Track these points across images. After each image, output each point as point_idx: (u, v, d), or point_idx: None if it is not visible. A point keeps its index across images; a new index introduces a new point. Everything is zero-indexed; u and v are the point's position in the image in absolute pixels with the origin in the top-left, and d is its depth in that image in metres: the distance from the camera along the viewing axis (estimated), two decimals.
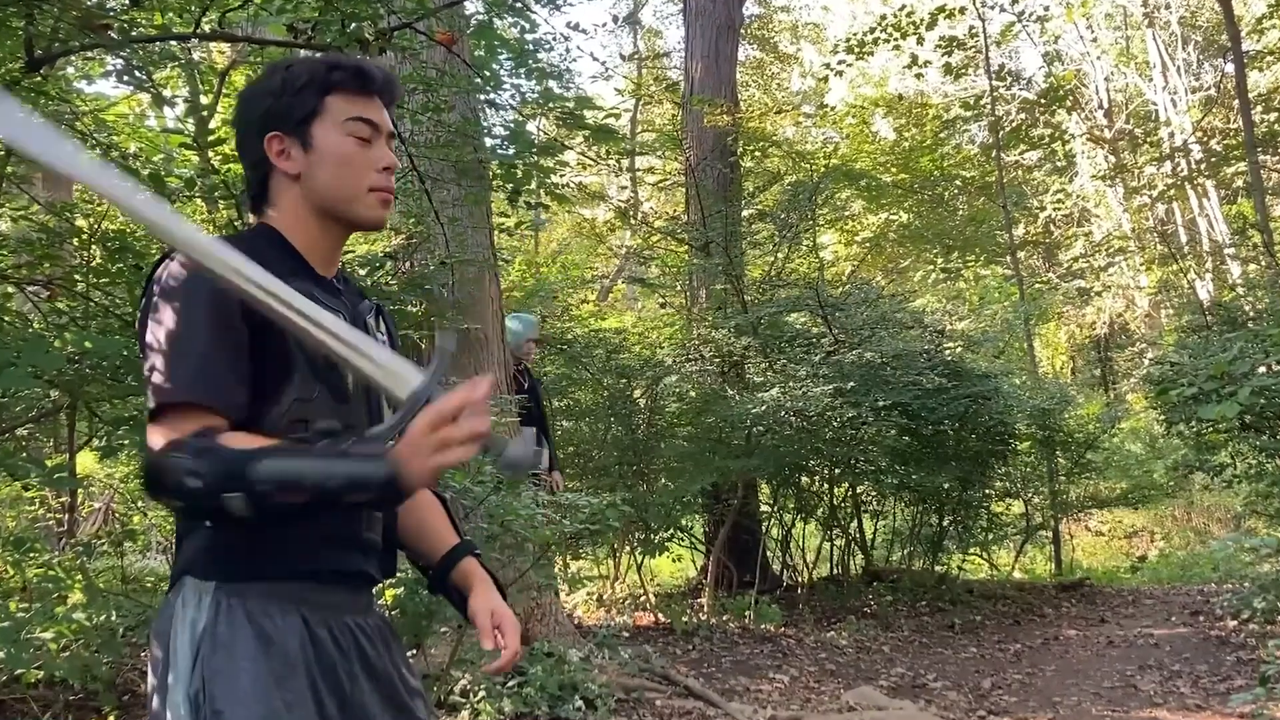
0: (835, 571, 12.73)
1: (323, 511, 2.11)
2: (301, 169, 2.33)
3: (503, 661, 2.51)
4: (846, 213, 17.93)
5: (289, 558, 2.20)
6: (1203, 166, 21.25)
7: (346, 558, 2.30)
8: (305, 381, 2.20)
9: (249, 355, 2.13)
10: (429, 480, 2.03)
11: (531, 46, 7.51)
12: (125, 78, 6.44)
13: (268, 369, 2.16)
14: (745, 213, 14.21)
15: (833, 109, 20.28)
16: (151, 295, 2.15)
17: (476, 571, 2.63)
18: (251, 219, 2.46)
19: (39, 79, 5.40)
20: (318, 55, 2.33)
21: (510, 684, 6.62)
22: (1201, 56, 27.61)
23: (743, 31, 19.00)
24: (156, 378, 2.08)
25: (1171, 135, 23.69)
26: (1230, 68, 17.66)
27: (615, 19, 30.67)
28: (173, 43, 6.20)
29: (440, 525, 2.68)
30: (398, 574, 6.12)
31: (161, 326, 2.10)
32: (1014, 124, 21.55)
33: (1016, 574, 14.16)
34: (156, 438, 2.05)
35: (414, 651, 6.24)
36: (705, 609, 10.64)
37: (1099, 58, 27.67)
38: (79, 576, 6.14)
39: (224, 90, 7.64)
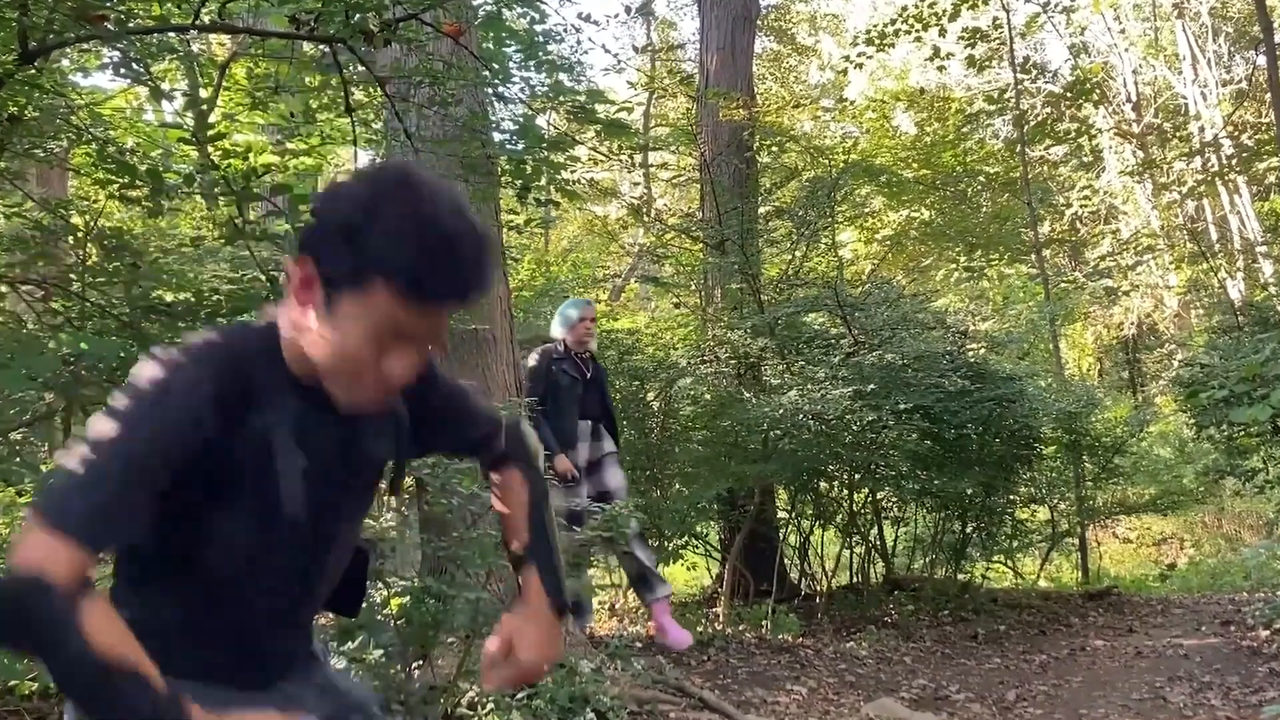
0: (855, 580, 12.70)
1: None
2: (306, 321, 2.09)
3: (501, 678, 2.47)
4: (866, 209, 17.92)
5: (172, 660, 2.03)
6: (1234, 162, 21.17)
7: (236, 667, 2.23)
8: (241, 522, 2.13)
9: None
10: None
11: (541, 38, 7.49)
12: (122, 70, 6.43)
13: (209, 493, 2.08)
14: (762, 209, 14.21)
15: (852, 103, 20.23)
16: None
17: (528, 582, 2.55)
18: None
19: (33, 72, 5.38)
20: (416, 207, 1.98)
21: (520, 696, 6.60)
22: (1233, 48, 27.55)
23: (760, 23, 18.99)
24: (66, 479, 1.90)
25: (1202, 130, 23.58)
26: (1262, 60, 17.58)
27: (628, 10, 30.66)
28: (171, 34, 6.20)
29: (516, 519, 2.64)
30: (405, 582, 6.11)
31: (102, 421, 1.95)
32: (1039, 118, 21.53)
33: (1042, 582, 14.13)
34: (41, 548, 1.84)
35: (420, 662, 6.22)
36: (721, 619, 10.61)
37: (1127, 49, 27.58)
38: None
39: (224, 83, 7.63)
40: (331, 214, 2.04)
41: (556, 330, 9.31)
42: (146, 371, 2.00)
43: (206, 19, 5.81)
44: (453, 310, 2.11)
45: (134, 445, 1.92)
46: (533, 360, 9.18)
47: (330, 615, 2.39)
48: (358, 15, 5.22)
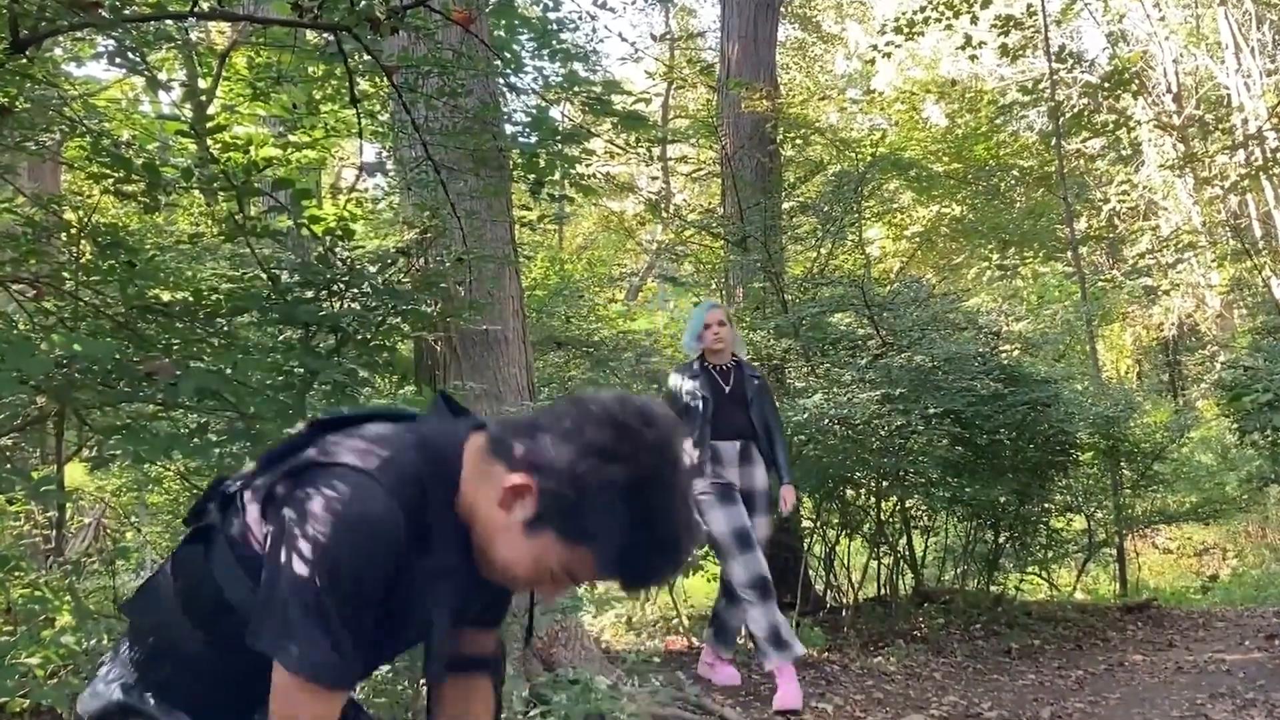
0: (883, 592, 12.65)
1: None
2: (506, 525, 2.18)
3: None
4: (895, 205, 17.91)
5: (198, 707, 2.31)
6: (1279, 155, 21.11)
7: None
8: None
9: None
10: None
11: (555, 26, 7.49)
12: (117, 60, 6.41)
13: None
14: (785, 205, 14.18)
15: (880, 94, 20.20)
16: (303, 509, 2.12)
17: None
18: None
19: (24, 61, 5.36)
20: (656, 516, 2.10)
21: (533, 714, 6.58)
22: (1278, 36, 27.45)
23: (783, 10, 19.00)
24: (306, 633, 2.07)
25: (1245, 122, 23.52)
26: None
27: None
28: (169, 22, 6.18)
29: None
30: None
31: (310, 565, 2.08)
32: (1075, 110, 21.49)
33: (1078, 594, 14.10)
34: (306, 706, 2.09)
35: None
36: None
37: (1167, 38, 27.52)
38: (67, 598, 6.11)
39: (223, 73, 7.62)
40: (574, 462, 2.10)
41: (687, 344, 8.90)
42: (333, 490, 2.10)
43: (205, 6, 5.81)
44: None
45: (347, 585, 2.07)
46: (670, 380, 8.90)
47: None
48: (363, 2, 5.19)
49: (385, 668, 5.65)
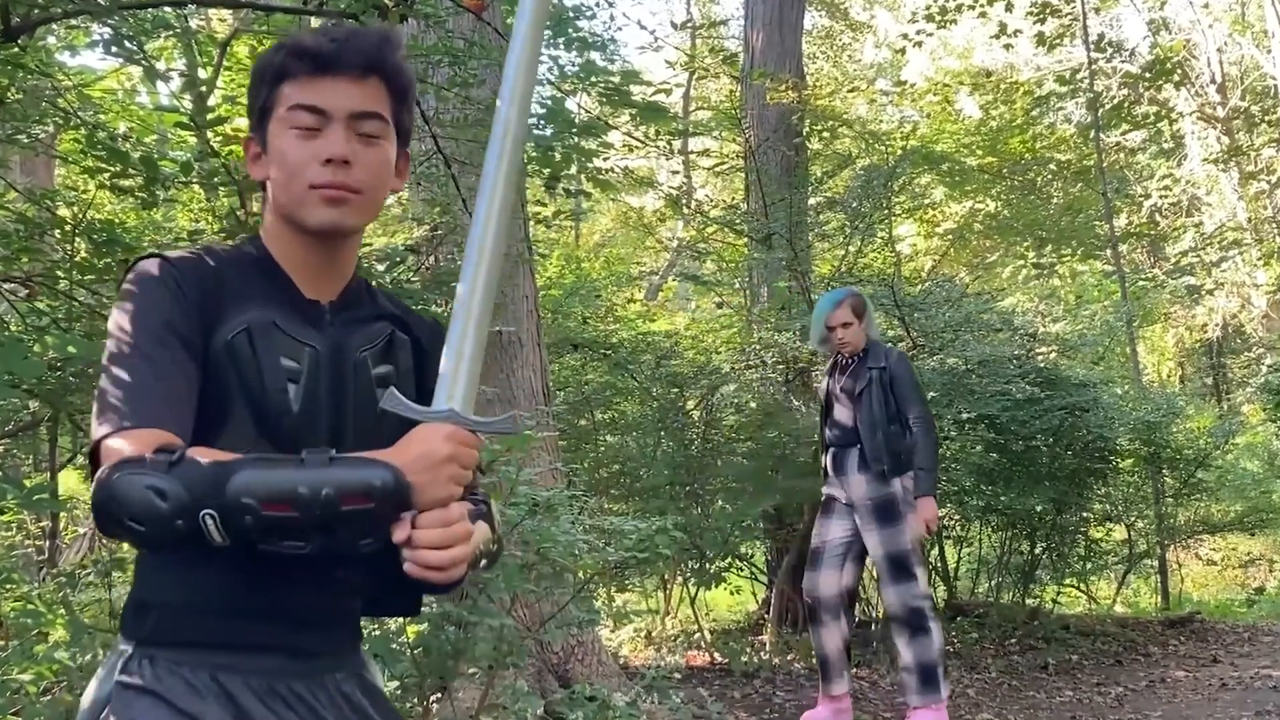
0: None
1: (314, 536, 1.99)
2: (265, 174, 2.31)
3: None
4: (926, 200, 17.89)
5: (197, 623, 2.18)
6: None
7: (264, 630, 2.22)
8: (241, 430, 2.19)
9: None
10: (435, 502, 2.02)
11: (572, 13, 7.49)
12: (114, 49, 6.40)
13: (203, 408, 2.17)
14: (812, 200, 14.17)
15: (912, 86, 20.17)
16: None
17: None
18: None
19: (16, 49, 5.35)
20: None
21: None
22: None
23: None
24: (106, 399, 2.08)
25: None
26: None
27: None
28: (167, 9, 6.17)
29: None
30: (424, 608, 6.07)
31: (113, 339, 2.12)
32: (1115, 101, 21.43)
33: (1118, 608, 14.05)
34: (106, 459, 2.02)
35: (439, 695, 6.18)
36: (767, 647, 10.57)
37: (1210, 26, 27.42)
38: (61, 610, 6.11)
39: (225, 62, 7.61)
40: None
41: (812, 344, 8.66)
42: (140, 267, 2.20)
43: None
44: (360, 75, 2.26)
45: (149, 333, 2.12)
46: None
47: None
48: None
49: (393, 682, 5.62)
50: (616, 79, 7.55)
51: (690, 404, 12.02)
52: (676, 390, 11.72)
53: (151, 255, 2.20)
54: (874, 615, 11.97)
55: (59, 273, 6.35)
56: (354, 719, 2.28)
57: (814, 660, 8.35)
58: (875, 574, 8.23)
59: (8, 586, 6.20)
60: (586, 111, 12.15)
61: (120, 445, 2.00)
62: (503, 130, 2.22)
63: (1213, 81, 27.14)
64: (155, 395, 2.06)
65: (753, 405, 12.04)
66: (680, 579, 11.43)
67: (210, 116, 6.85)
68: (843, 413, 7.90)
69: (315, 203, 2.24)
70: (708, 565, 11.04)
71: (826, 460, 8.07)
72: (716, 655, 10.26)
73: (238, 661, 2.16)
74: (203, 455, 1.97)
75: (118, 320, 2.13)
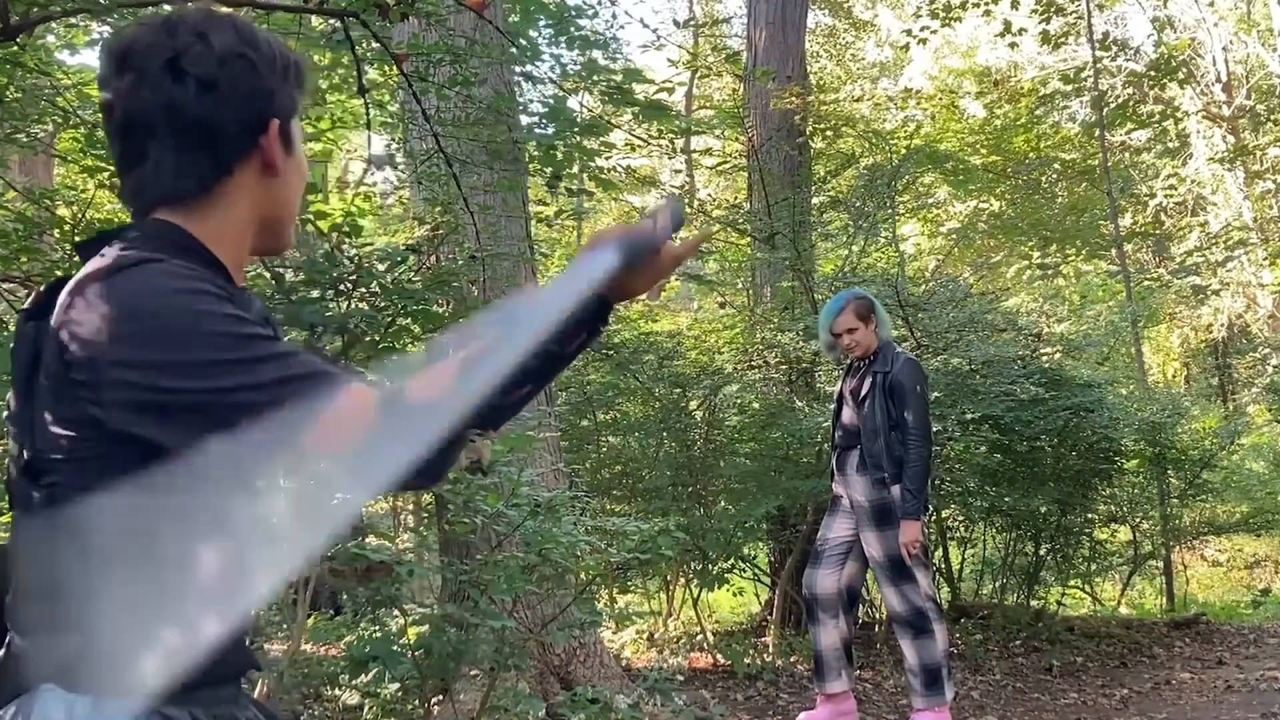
0: None
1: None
2: (283, 171, 2.11)
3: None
4: (930, 200, 17.91)
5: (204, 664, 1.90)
6: None
7: (245, 655, 2.18)
8: None
9: None
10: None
11: (573, 12, 7.48)
12: None
13: None
14: (815, 200, 14.16)
15: (917, 91, 20.15)
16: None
17: None
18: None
19: (14, 48, 5.36)
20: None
21: None
22: None
23: None
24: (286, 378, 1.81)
25: None
26: None
27: None
28: (167, 7, 6.16)
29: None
30: (424, 609, 6.06)
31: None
32: (1120, 100, 21.42)
33: (1123, 609, 14.04)
34: (358, 404, 1.81)
35: (441, 697, 6.18)
36: (770, 649, 10.57)
37: (1216, 24, 27.38)
38: None
39: None
40: (271, 68, 2.11)
41: (822, 349, 8.63)
42: (158, 286, 1.84)
43: None
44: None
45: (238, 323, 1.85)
46: None
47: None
48: None
49: (394, 684, 5.62)
50: (619, 78, 7.55)
51: (693, 404, 12.00)
52: (679, 391, 11.70)
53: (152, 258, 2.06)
54: (877, 617, 11.97)
55: (58, 272, 6.34)
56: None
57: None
58: (875, 576, 8.21)
59: None
60: (588, 110, 12.13)
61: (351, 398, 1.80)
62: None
63: (1218, 80, 27.11)
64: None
65: (756, 406, 12.04)
66: (683, 580, 11.42)
67: None
68: (848, 415, 7.91)
69: (288, 234, 2.20)
70: (710, 566, 11.03)
71: (832, 460, 8.10)
72: (719, 657, 10.26)
73: (212, 693, 2.00)
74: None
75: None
